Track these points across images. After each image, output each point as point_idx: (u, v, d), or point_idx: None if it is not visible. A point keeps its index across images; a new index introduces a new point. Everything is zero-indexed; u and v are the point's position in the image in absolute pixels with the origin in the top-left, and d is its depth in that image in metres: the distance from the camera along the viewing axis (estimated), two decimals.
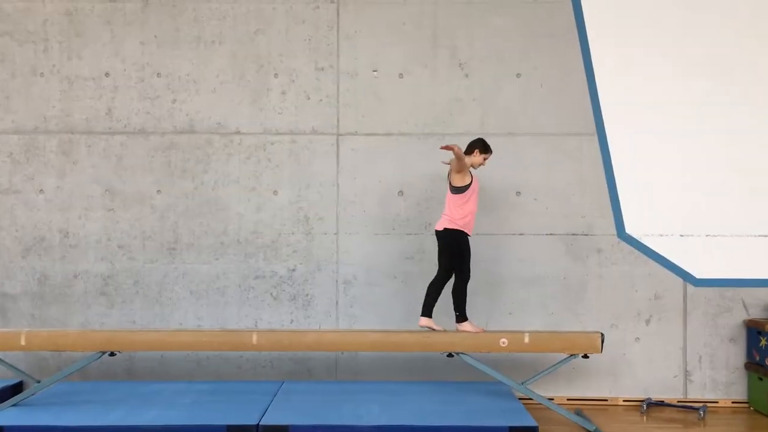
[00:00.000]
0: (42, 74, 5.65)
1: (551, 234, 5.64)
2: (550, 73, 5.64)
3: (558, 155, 5.64)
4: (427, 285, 5.02)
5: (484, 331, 4.99)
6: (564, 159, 5.64)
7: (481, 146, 5.01)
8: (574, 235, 5.63)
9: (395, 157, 5.65)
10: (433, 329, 4.94)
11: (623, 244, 5.62)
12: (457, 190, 4.93)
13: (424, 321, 4.96)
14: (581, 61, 5.62)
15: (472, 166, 5.02)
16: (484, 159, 5.03)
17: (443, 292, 5.00)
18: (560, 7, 5.62)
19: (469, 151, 5.01)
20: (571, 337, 4.97)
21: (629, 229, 5.61)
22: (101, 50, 5.65)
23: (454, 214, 4.92)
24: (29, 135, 5.65)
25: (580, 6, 5.63)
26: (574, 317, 5.62)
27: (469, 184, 4.93)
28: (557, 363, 5.03)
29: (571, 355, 4.94)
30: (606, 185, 5.62)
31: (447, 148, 4.75)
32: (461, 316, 4.98)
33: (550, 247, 5.63)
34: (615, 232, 5.62)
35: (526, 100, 5.65)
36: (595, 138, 5.62)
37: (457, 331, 4.96)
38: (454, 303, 4.98)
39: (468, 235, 5.00)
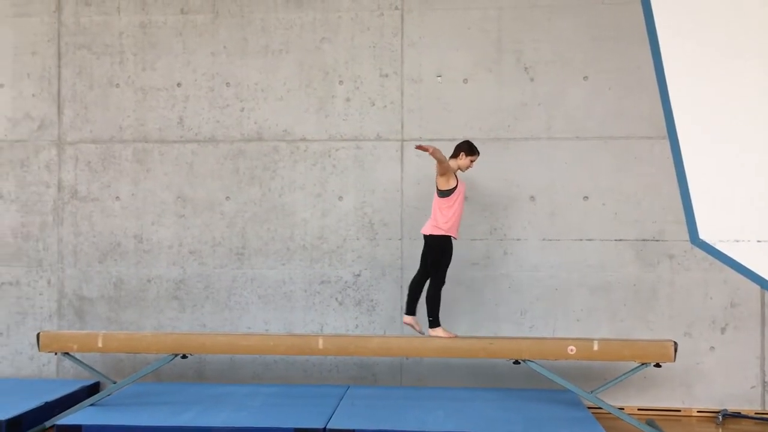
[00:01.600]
0: (118, 85, 5.87)
1: (620, 239, 5.51)
2: (619, 75, 5.53)
3: (627, 159, 5.52)
4: (409, 283, 5.06)
5: (456, 336, 4.94)
6: (634, 162, 5.52)
7: (467, 148, 4.95)
8: (644, 240, 5.50)
9: None
10: (415, 328, 4.96)
11: (697, 250, 5.43)
12: (443, 194, 4.89)
13: (409, 319, 4.98)
14: (651, 62, 5.47)
15: (459, 168, 4.98)
16: (471, 161, 4.97)
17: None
18: (629, 8, 5.50)
19: (455, 154, 4.97)
20: (642, 346, 4.85)
21: (703, 235, 5.43)
22: (173, 61, 5.83)
23: (438, 218, 4.89)
24: (106, 144, 5.87)
25: (650, 6, 5.49)
26: (645, 325, 5.47)
27: (455, 188, 4.89)
28: (628, 372, 4.91)
29: (643, 364, 4.82)
30: (678, 189, 5.45)
31: (421, 148, 4.72)
32: (434, 322, 4.92)
33: (619, 252, 5.51)
34: (688, 238, 5.43)
35: (593, 103, 5.56)
36: (667, 141, 5.46)
37: (429, 335, 4.94)
38: (428, 307, 4.94)
39: (452, 238, 4.95)
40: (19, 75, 5.90)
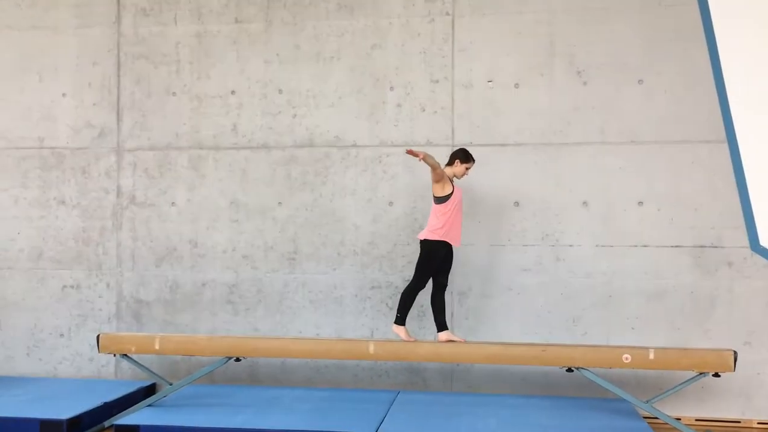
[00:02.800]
0: (174, 93, 6.01)
1: (677, 246, 5.39)
2: (675, 78, 5.42)
3: (684, 163, 5.40)
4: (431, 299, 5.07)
5: (416, 340, 5.00)
6: (691, 167, 5.39)
7: (462, 156, 5.02)
8: (702, 247, 5.36)
9: (511, 168, 5.60)
10: (454, 340, 4.95)
11: (757, 257, 5.28)
12: (438, 200, 4.95)
13: (444, 336, 4.96)
14: (709, 65, 5.35)
15: (455, 176, 5.04)
16: (467, 168, 5.04)
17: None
18: (685, 10, 5.38)
19: (451, 161, 5.04)
20: (700, 354, 4.73)
21: (764, 241, 5.27)
22: (228, 69, 5.94)
23: (433, 224, 4.95)
24: (163, 151, 6.02)
25: (708, 8, 5.37)
26: (703, 333, 5.34)
27: (450, 194, 4.92)
28: (685, 381, 4.80)
29: (701, 374, 4.70)
30: (737, 194, 5.31)
31: (412, 153, 4.74)
32: (401, 319, 4.97)
33: (675, 259, 5.39)
34: (748, 244, 5.30)
35: (648, 107, 5.45)
36: (725, 144, 5.34)
37: (393, 331, 5.02)
38: (399, 303, 4.98)
39: (450, 245, 4.97)
40: (81, 84, 6.10)
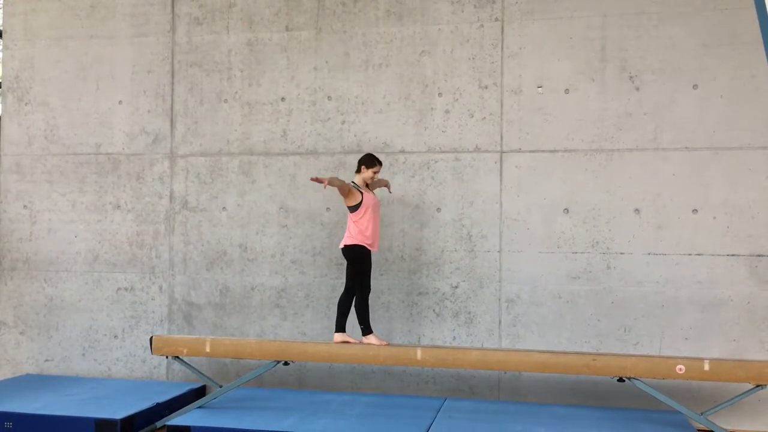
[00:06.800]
0: (226, 101, 6.12)
1: (733, 255, 5.26)
2: (731, 83, 5.30)
3: (740, 170, 5.27)
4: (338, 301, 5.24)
5: (389, 344, 5.10)
6: (747, 174, 5.26)
7: (367, 161, 5.19)
8: (759, 256, 5.22)
9: (560, 174, 5.54)
10: (349, 342, 5.11)
11: None
12: (351, 209, 5.12)
13: (339, 337, 5.13)
14: (766, 68, 5.21)
15: (365, 181, 5.19)
16: (374, 173, 5.19)
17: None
18: (741, 13, 5.26)
19: (358, 168, 5.24)
20: (758, 367, 4.60)
21: None
22: (278, 77, 6.03)
23: (351, 230, 5.11)
24: (214, 157, 6.13)
25: (765, 10, 5.22)
26: (760, 345, 5.19)
27: (360, 203, 5.07)
28: (742, 393, 4.67)
29: (758, 386, 4.57)
30: None
31: (316, 181, 4.92)
32: (366, 329, 5.11)
33: (731, 268, 5.26)
34: None
35: (703, 113, 5.34)
36: None
37: (362, 343, 5.09)
38: (358, 316, 5.17)
39: (369, 249, 5.13)
40: (136, 92, 6.26)
